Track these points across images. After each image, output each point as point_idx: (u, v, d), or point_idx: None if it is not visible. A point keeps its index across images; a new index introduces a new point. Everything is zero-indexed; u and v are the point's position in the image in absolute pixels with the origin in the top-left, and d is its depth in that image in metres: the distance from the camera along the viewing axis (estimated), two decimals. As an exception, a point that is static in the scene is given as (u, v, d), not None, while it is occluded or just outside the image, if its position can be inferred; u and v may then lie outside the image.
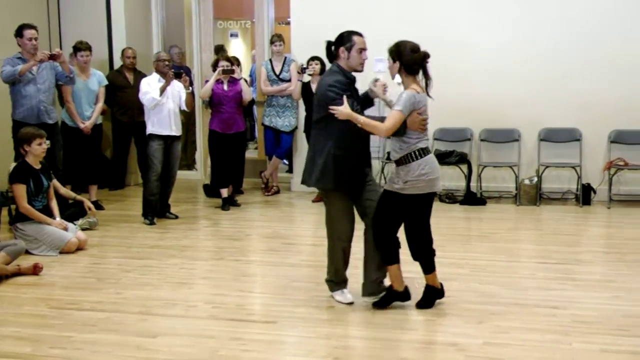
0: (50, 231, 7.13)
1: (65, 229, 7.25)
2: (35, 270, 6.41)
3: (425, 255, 5.21)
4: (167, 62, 8.53)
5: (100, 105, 9.29)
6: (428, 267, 5.20)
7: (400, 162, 5.00)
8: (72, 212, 7.92)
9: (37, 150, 7.15)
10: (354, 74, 5.27)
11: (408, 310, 5.31)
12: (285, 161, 11.15)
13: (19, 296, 5.85)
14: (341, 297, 5.36)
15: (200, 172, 11.65)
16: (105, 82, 9.44)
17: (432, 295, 5.25)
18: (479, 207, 9.16)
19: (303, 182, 5.42)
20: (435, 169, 5.04)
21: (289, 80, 9.71)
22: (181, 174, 9.66)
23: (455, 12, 9.49)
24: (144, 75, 9.13)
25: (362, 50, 5.17)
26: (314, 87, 9.12)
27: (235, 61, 9.38)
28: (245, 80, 9.87)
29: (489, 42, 9.37)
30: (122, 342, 4.69)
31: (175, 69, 9.15)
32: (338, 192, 5.23)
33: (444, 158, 9.36)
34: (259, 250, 7.45)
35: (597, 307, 5.24)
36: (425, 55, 5.05)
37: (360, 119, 4.85)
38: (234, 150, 9.16)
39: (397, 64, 5.00)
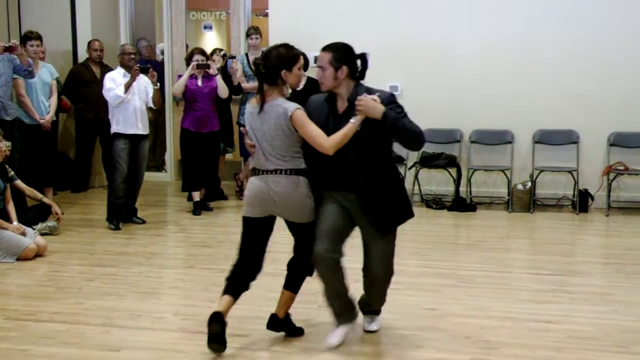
0: (7, 236, 7.11)
1: (23, 233, 7.24)
2: None
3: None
4: (132, 56, 8.53)
5: (54, 98, 9.35)
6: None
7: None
8: (31, 215, 7.92)
9: None
10: None
11: (392, 323, 5.33)
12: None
13: None
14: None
15: (170, 173, 11.64)
16: (57, 75, 9.54)
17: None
18: (468, 214, 9.19)
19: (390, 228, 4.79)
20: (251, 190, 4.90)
21: (267, 76, 9.68)
22: (149, 176, 9.67)
23: (445, 12, 9.54)
24: (110, 69, 9.13)
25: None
26: (301, 83, 9.16)
27: (209, 55, 9.40)
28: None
29: (480, 39, 9.44)
30: (83, 356, 4.68)
31: (143, 63, 9.15)
32: None
33: (431, 161, 9.45)
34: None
35: (594, 322, 5.23)
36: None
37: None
38: (207, 151, 9.17)
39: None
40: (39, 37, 9.14)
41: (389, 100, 4.53)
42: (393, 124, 4.36)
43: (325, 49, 4.68)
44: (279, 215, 4.84)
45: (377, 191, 4.59)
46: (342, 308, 4.81)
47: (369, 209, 4.61)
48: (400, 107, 4.51)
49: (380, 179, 4.60)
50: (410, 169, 9.61)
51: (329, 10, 9.73)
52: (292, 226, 4.88)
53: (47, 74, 9.30)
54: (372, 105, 4.39)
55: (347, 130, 4.39)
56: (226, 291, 4.75)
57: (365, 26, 9.65)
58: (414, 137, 4.52)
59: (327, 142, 4.40)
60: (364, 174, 4.54)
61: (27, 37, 9.14)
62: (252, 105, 4.73)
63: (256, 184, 4.79)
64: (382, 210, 4.62)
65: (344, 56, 4.57)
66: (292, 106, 4.51)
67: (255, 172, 4.82)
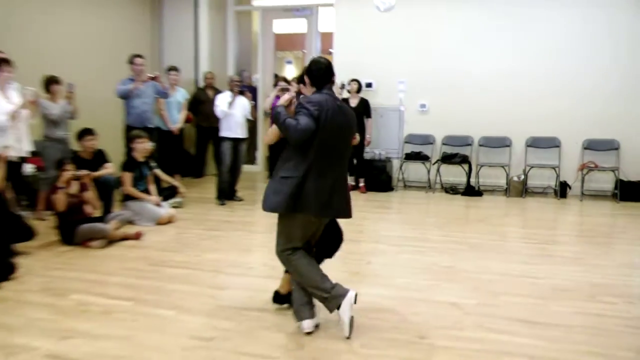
0: (149, 207, 7.32)
1: (159, 205, 7.42)
2: (137, 236, 6.58)
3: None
4: (237, 83, 8.64)
5: (184, 113, 9.58)
6: None
7: None
8: (165, 194, 8.07)
9: (139, 147, 7.42)
10: None
11: (418, 276, 5.28)
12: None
13: (124, 254, 6.02)
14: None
15: (260, 166, 11.74)
16: (187, 96, 9.77)
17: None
18: (476, 198, 9.11)
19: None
20: None
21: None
22: (245, 167, 9.72)
23: (462, 49, 9.43)
24: (220, 92, 9.22)
25: None
26: (352, 102, 9.15)
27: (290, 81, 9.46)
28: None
29: (487, 69, 9.36)
30: (200, 292, 4.80)
31: (243, 87, 9.26)
32: None
33: (449, 159, 9.44)
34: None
35: (570, 278, 5.23)
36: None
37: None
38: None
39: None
40: (176, 69, 9.42)
41: (300, 102, 3.92)
42: (274, 116, 3.91)
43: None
44: None
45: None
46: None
47: None
48: (305, 108, 3.78)
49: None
50: (434, 164, 9.52)
51: (377, 48, 9.79)
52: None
53: (181, 95, 9.52)
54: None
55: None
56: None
57: (403, 60, 9.70)
58: (283, 129, 3.77)
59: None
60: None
61: (170, 69, 9.43)
62: None
63: None
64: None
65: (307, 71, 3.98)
66: None
67: None
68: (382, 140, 9.75)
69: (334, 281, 3.86)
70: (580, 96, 8.95)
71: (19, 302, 4.68)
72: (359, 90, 9.34)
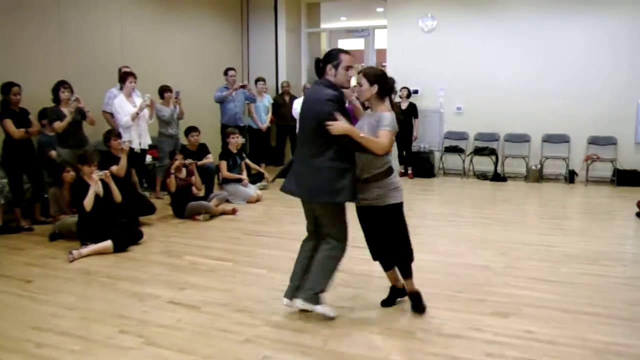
0: (241, 189, 7.43)
1: (246, 186, 7.52)
2: (233, 211, 6.75)
3: (404, 260, 3.73)
4: (309, 88, 8.74)
5: (270, 115, 9.51)
6: (406, 271, 3.75)
7: (378, 178, 3.51)
8: (254, 179, 8.16)
9: (233, 141, 7.49)
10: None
11: (455, 245, 5.42)
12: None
13: (223, 226, 6.22)
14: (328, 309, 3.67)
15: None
16: (272, 101, 9.69)
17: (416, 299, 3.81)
18: (502, 183, 9.06)
19: (310, 198, 3.62)
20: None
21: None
22: None
23: (491, 59, 9.40)
24: (295, 97, 9.39)
25: (349, 67, 3.51)
26: (403, 105, 9.26)
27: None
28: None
29: (511, 76, 9.25)
30: (284, 255, 4.82)
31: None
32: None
33: (480, 151, 9.42)
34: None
35: (577, 247, 5.28)
36: (394, 83, 3.66)
37: (362, 134, 3.35)
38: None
39: (375, 87, 3.48)
40: (263, 80, 9.43)
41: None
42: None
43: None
44: None
45: None
46: None
47: None
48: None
49: None
50: (467, 155, 9.53)
51: (422, 62, 9.77)
52: None
53: (267, 100, 9.45)
54: None
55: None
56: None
57: (443, 71, 9.67)
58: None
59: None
60: None
61: (258, 80, 9.42)
62: None
63: None
64: None
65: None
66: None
67: None
68: (426, 136, 9.83)
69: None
70: (585, 101, 8.83)
71: (145, 262, 4.97)
72: (408, 95, 9.45)
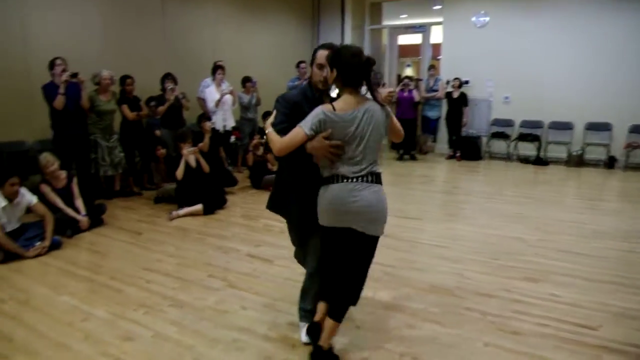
0: None
1: None
2: None
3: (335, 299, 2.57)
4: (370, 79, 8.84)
5: None
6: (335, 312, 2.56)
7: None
8: None
9: None
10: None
11: (494, 218, 5.43)
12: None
13: None
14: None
15: (384, 139, 11.82)
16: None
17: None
18: (543, 167, 8.89)
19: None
20: (337, 200, 2.37)
21: (437, 90, 9.72)
22: None
23: (537, 51, 9.14)
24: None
25: (321, 65, 2.52)
26: (454, 95, 9.24)
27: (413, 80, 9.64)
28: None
29: (557, 69, 9.00)
30: None
31: (375, 84, 9.37)
32: None
33: (525, 137, 9.25)
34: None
35: (609, 225, 5.19)
36: (369, 62, 2.35)
37: (267, 130, 2.49)
38: (409, 128, 9.32)
39: (334, 72, 2.39)
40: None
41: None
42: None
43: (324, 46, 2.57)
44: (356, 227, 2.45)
45: None
46: None
47: None
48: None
49: None
50: (512, 141, 9.38)
51: (473, 54, 9.65)
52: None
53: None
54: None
55: None
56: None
57: (493, 63, 9.53)
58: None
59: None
60: None
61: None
62: (340, 114, 2.35)
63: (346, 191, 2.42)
64: None
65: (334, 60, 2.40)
66: None
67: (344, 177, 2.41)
68: (474, 123, 9.73)
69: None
70: (627, 91, 8.45)
71: (228, 222, 5.33)
72: (459, 85, 9.40)
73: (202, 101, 7.43)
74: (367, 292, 3.52)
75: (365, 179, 2.41)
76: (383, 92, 2.55)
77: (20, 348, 2.82)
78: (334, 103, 2.36)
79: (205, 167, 5.86)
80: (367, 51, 11.35)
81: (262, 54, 9.51)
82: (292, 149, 2.36)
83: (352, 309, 3.20)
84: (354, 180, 2.39)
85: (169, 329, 3.01)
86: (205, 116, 6.66)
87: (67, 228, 4.83)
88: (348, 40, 11.07)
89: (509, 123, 9.53)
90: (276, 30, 10.02)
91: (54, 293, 3.55)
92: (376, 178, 2.45)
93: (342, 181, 2.39)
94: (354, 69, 2.34)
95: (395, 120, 2.55)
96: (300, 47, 10.71)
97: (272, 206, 2.72)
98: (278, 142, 2.39)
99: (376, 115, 2.41)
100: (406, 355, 2.72)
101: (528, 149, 9.34)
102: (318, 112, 2.34)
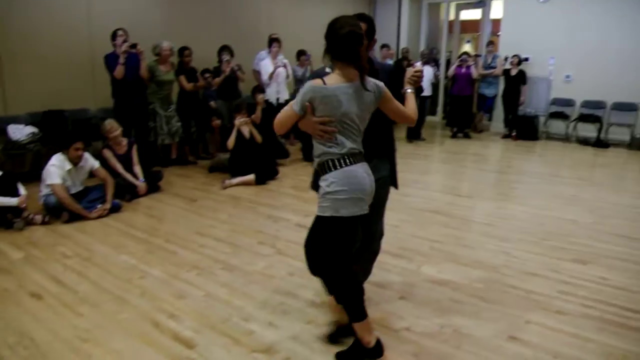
0: None
1: None
2: None
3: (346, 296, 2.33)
4: (425, 55, 8.79)
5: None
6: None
7: (318, 172, 2.31)
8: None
9: None
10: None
11: (547, 198, 5.32)
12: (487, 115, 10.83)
13: None
14: None
15: (438, 117, 11.67)
16: (391, 68, 9.69)
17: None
18: (603, 149, 8.54)
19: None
20: (352, 185, 2.19)
21: (495, 67, 9.45)
22: (428, 118, 9.78)
23: (602, 29, 8.68)
24: (412, 63, 9.40)
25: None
26: (512, 72, 8.98)
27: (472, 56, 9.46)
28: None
29: (622, 47, 8.53)
30: (391, 197, 4.97)
31: (432, 60, 9.27)
32: None
33: (585, 118, 8.92)
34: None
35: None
36: (352, 35, 2.14)
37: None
38: (466, 105, 9.25)
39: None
40: (388, 46, 9.55)
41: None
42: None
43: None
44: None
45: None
46: None
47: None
48: None
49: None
50: (572, 122, 9.05)
51: (534, 31, 9.31)
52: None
53: (388, 65, 9.55)
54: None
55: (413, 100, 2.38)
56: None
57: (555, 40, 9.16)
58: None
59: (414, 114, 2.36)
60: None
61: (383, 46, 9.51)
62: (329, 87, 2.15)
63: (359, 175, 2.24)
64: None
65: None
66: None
67: (350, 160, 2.22)
68: (532, 102, 9.42)
69: None
70: None
71: (279, 193, 5.47)
72: (518, 63, 9.11)
73: (257, 73, 7.55)
74: (411, 264, 3.58)
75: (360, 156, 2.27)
76: (409, 71, 2.40)
77: (85, 300, 3.05)
78: (325, 78, 2.19)
79: (258, 138, 6.00)
80: (423, 26, 11.37)
81: (317, 27, 9.26)
82: (286, 127, 2.29)
83: (395, 280, 3.26)
84: (357, 156, 2.24)
85: (219, 290, 3.17)
86: (259, 88, 6.78)
87: (126, 192, 5.10)
88: (405, 14, 10.92)
89: (569, 103, 9.17)
90: (332, 4, 9.97)
91: (114, 252, 3.80)
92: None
93: (355, 161, 2.22)
94: (337, 41, 2.16)
95: (396, 103, 2.30)
96: (356, 21, 10.67)
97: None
98: (275, 119, 2.28)
99: (366, 94, 2.20)
100: (447, 326, 2.77)
101: (588, 131, 8.98)
102: (307, 89, 2.18)
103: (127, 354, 2.50)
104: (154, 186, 5.41)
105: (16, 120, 5.76)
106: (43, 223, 4.37)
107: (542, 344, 2.61)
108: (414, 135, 8.81)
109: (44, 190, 4.54)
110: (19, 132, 5.61)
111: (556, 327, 2.78)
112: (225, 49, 6.83)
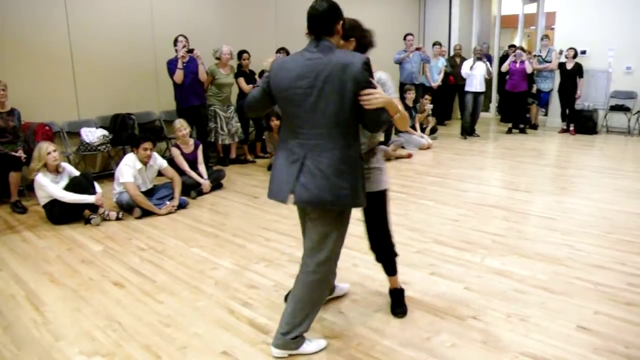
0: (415, 137, 7.73)
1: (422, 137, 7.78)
2: (408, 156, 7.11)
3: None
4: (478, 51, 8.67)
5: (442, 75, 9.53)
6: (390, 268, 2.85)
7: (373, 154, 2.68)
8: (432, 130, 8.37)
9: (409, 96, 7.78)
10: None
11: (608, 192, 5.20)
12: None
13: (399, 166, 6.56)
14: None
15: (492, 113, 11.53)
16: (445, 63, 9.66)
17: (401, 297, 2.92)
18: (637, 137, 8.21)
19: (346, 204, 2.35)
20: None
21: (551, 62, 9.23)
22: (482, 114, 9.69)
23: None
24: (465, 59, 9.30)
25: None
26: (569, 66, 8.75)
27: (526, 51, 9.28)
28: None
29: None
30: (449, 192, 5.05)
31: (484, 56, 9.13)
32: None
33: (617, 109, 8.76)
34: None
35: None
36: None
37: (401, 107, 2.35)
38: (520, 101, 9.05)
39: (352, 42, 2.60)
40: (440, 44, 9.51)
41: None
42: None
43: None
44: None
45: None
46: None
47: None
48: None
49: None
50: (634, 114, 8.71)
51: (591, 23, 9.03)
52: None
53: (441, 62, 9.44)
54: None
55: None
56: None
57: (613, 31, 8.85)
58: None
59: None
60: None
61: (435, 44, 9.49)
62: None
63: None
64: None
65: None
66: None
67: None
68: (590, 95, 9.16)
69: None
70: None
71: None
72: (574, 56, 8.88)
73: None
74: (474, 257, 3.61)
75: None
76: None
77: (163, 289, 3.26)
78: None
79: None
80: (476, 21, 11.22)
81: (370, 26, 9.48)
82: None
83: (458, 272, 3.31)
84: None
85: (288, 281, 3.31)
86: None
87: (192, 190, 5.34)
88: (456, 11, 10.83)
89: (630, 95, 8.85)
90: (383, 2, 10.06)
91: (186, 245, 4.01)
92: None
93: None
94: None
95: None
96: (408, 19, 10.71)
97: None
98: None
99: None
100: (514, 316, 2.80)
101: (619, 121, 8.71)
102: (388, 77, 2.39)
103: (208, 338, 2.66)
104: (217, 184, 5.64)
105: (88, 123, 6.14)
106: (117, 219, 4.65)
107: (612, 335, 2.60)
108: (467, 131, 8.73)
109: (117, 189, 4.83)
110: (91, 134, 5.98)
111: (627, 319, 2.75)
112: (281, 51, 7.02)
